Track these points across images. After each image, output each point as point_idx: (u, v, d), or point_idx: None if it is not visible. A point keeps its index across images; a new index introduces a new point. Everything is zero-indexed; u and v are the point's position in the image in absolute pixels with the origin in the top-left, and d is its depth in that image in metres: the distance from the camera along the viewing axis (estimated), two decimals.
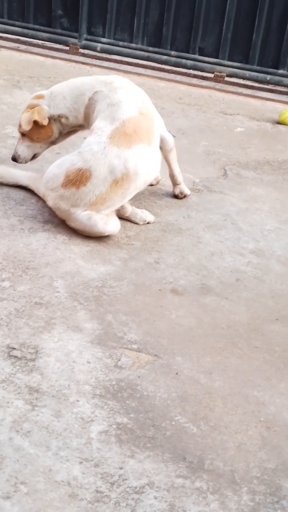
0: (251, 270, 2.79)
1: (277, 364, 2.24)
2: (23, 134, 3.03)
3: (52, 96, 2.99)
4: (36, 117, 2.94)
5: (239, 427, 1.97)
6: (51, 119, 2.99)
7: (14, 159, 3.09)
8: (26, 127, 2.97)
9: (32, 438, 1.82)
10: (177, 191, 3.31)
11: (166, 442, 1.88)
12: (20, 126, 3.02)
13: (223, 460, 1.85)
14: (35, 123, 2.96)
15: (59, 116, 2.99)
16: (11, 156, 3.13)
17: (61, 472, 1.74)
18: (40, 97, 3.02)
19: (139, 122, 2.81)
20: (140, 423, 1.92)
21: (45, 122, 2.97)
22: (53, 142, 3.11)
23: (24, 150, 3.06)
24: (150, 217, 3.05)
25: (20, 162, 3.09)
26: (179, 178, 3.27)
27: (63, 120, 3.00)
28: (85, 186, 2.74)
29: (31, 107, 3.00)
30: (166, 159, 3.14)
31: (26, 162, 3.10)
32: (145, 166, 2.81)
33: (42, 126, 2.98)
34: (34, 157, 3.11)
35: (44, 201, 2.97)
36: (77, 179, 2.74)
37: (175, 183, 3.29)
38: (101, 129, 2.77)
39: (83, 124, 2.99)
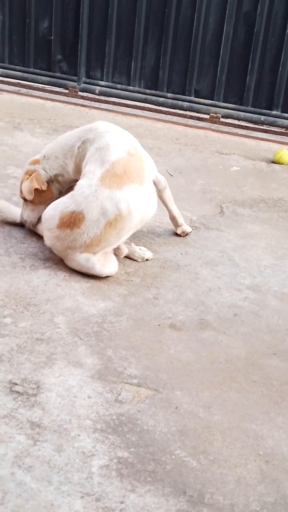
0: (248, 306, 2.83)
1: (275, 398, 2.27)
2: (26, 199, 3.11)
3: (45, 158, 3.08)
4: (36, 185, 3.04)
5: (238, 461, 1.99)
6: (49, 181, 3.08)
7: (22, 224, 3.18)
8: (29, 197, 3.07)
9: (34, 473, 1.84)
10: (179, 231, 3.38)
11: (166, 476, 1.90)
12: (21, 192, 3.12)
13: (223, 494, 1.86)
14: (36, 189, 3.05)
15: (56, 176, 3.08)
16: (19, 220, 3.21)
17: (62, 507, 1.75)
18: (36, 162, 3.11)
19: (128, 163, 2.86)
20: (141, 457, 1.94)
21: (44, 187, 3.07)
22: None
23: (29, 214, 3.14)
24: (148, 254, 3.11)
25: (28, 226, 3.17)
26: (180, 219, 3.35)
27: (60, 178, 3.09)
28: (79, 228, 2.79)
29: (29, 173, 3.09)
30: (161, 199, 3.20)
31: (33, 225, 3.16)
32: (138, 206, 2.85)
33: (42, 191, 3.07)
34: (40, 218, 3.16)
35: None
36: (70, 222, 2.80)
37: (176, 225, 3.37)
38: (92, 172, 2.84)
39: (77, 178, 3.01)
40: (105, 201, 2.77)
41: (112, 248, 2.92)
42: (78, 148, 2.99)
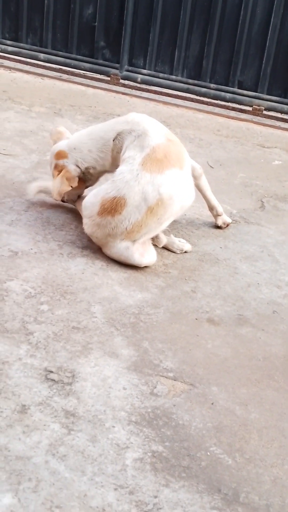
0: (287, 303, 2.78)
1: None
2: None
3: (76, 151, 3.06)
4: (66, 188, 3.04)
5: (275, 460, 1.94)
6: (80, 175, 3.08)
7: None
8: (58, 198, 3.08)
9: (68, 462, 1.83)
10: (219, 222, 3.33)
11: (201, 472, 1.86)
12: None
13: (258, 493, 1.83)
14: None
15: (87, 168, 3.07)
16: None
17: (96, 498, 1.74)
18: (64, 156, 3.08)
19: (168, 148, 2.84)
20: (175, 452, 1.92)
21: (74, 184, 3.06)
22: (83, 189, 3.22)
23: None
24: (187, 246, 3.07)
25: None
26: (219, 208, 3.30)
27: (91, 170, 3.08)
28: (121, 214, 2.77)
29: (58, 169, 3.07)
30: (198, 188, 3.15)
31: (58, 200, 3.19)
32: (179, 191, 2.81)
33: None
34: (63, 200, 3.24)
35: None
36: (112, 208, 2.77)
37: (216, 215, 3.32)
38: (132, 157, 2.81)
39: (109, 170, 3.04)
40: (147, 185, 2.75)
41: (153, 235, 2.89)
42: (114, 140, 2.96)
